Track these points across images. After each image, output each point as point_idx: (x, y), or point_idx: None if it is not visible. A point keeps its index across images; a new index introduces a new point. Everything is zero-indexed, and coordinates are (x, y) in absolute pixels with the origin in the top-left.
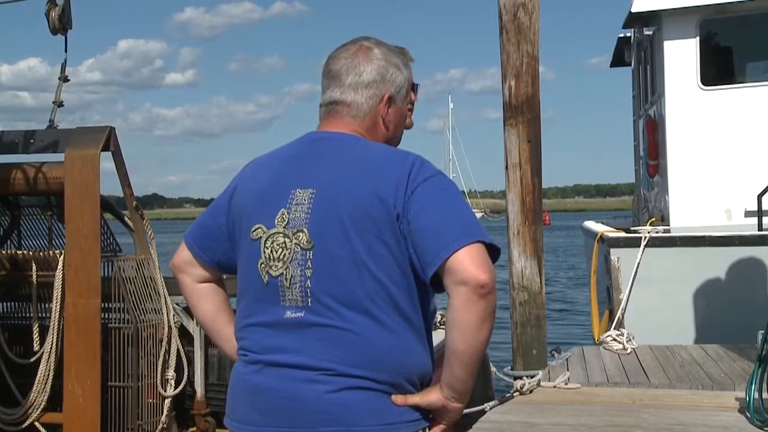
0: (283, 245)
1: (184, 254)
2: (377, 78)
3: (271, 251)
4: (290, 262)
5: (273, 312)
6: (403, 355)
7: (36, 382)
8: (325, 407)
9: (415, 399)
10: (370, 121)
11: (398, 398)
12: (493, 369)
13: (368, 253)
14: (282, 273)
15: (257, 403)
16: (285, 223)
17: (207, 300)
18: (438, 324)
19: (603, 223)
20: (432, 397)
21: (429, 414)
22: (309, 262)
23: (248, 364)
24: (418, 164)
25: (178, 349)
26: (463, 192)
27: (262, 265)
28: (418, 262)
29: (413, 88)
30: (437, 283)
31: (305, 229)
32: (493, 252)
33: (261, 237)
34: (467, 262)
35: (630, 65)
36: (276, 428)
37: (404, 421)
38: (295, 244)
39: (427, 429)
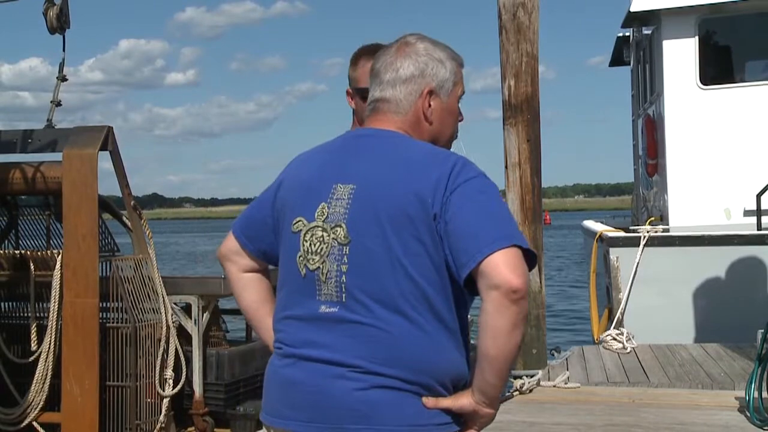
0: (321, 239)
1: (230, 243)
2: (415, 73)
3: (310, 244)
4: (327, 257)
5: (309, 306)
6: (435, 357)
7: (34, 381)
8: (352, 404)
9: (447, 402)
10: (413, 117)
11: (429, 401)
12: None
13: (404, 252)
14: (319, 267)
15: (288, 396)
16: (324, 217)
17: (251, 290)
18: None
19: (602, 223)
20: (463, 401)
21: (461, 418)
22: (345, 258)
23: (282, 357)
24: (460, 165)
25: (176, 349)
26: None
27: (301, 258)
28: (453, 264)
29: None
30: (472, 286)
31: (343, 224)
32: (530, 258)
33: (301, 230)
34: (501, 266)
35: (629, 64)
36: (304, 423)
37: (433, 424)
38: (333, 238)
39: None
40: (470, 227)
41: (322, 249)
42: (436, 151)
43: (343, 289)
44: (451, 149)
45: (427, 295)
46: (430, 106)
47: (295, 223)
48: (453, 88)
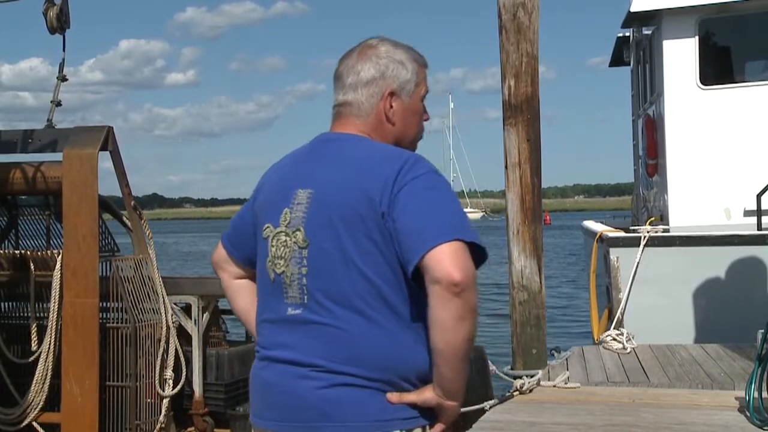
0: (285, 244)
1: (220, 252)
2: (376, 75)
3: (276, 249)
4: (290, 260)
5: (278, 309)
6: (396, 353)
7: (34, 381)
8: (315, 403)
9: (411, 397)
10: (375, 119)
11: (393, 396)
12: (493, 367)
13: (357, 251)
14: (284, 271)
15: (265, 397)
16: (287, 222)
17: (242, 296)
18: None
19: (602, 223)
20: (427, 395)
21: (431, 413)
22: (305, 260)
23: (259, 360)
24: (410, 163)
25: (176, 349)
26: (463, 192)
27: (269, 263)
28: (402, 260)
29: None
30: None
31: (302, 228)
32: (479, 251)
33: (269, 236)
34: (442, 260)
35: (629, 65)
36: (279, 422)
37: (398, 419)
38: (294, 242)
39: (427, 427)
40: (415, 223)
41: (285, 253)
42: (390, 151)
43: (305, 291)
44: (450, 146)
45: (383, 292)
46: (391, 107)
47: (264, 230)
48: (415, 89)
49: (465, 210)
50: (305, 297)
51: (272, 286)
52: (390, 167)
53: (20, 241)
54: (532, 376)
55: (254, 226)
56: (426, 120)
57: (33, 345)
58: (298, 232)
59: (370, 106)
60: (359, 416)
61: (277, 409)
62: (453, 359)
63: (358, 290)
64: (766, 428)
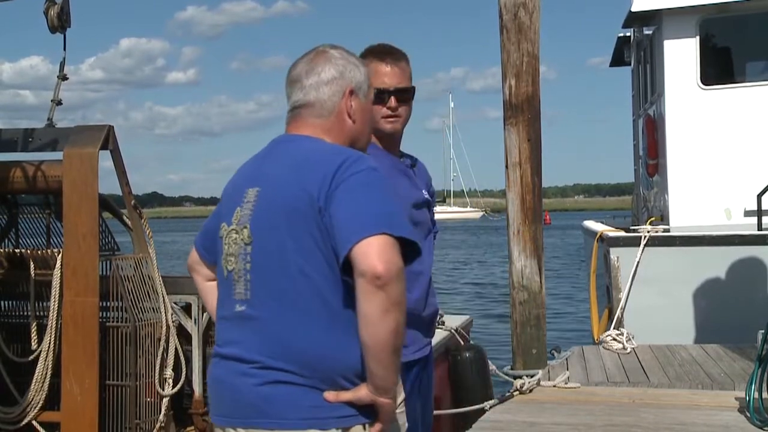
0: (235, 241)
1: (193, 255)
2: (336, 75)
3: (228, 247)
4: (238, 257)
5: (229, 305)
6: (331, 350)
7: (34, 380)
8: (253, 399)
9: (347, 395)
10: (336, 118)
11: (330, 394)
12: (493, 367)
13: (297, 248)
14: (234, 268)
15: (217, 394)
16: (237, 220)
17: (212, 296)
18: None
19: (602, 223)
20: (361, 392)
21: (371, 411)
22: (249, 257)
23: (213, 357)
24: (351, 160)
25: (176, 348)
26: (463, 191)
27: (224, 261)
28: (335, 254)
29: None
30: None
31: (248, 226)
32: (411, 246)
33: (223, 234)
34: (366, 253)
35: (630, 65)
36: (227, 419)
37: (334, 417)
38: (241, 239)
39: (367, 426)
40: (345, 218)
41: (235, 250)
42: (334, 150)
43: (248, 287)
44: (450, 146)
45: (321, 289)
46: (352, 105)
47: (221, 229)
48: (368, 90)
49: (465, 210)
50: (249, 293)
51: (225, 284)
52: (330, 164)
53: (20, 240)
54: (532, 376)
55: (218, 228)
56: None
57: (33, 344)
58: (245, 230)
59: (333, 105)
60: (293, 413)
61: (225, 406)
62: (380, 354)
63: (297, 286)
64: (766, 429)
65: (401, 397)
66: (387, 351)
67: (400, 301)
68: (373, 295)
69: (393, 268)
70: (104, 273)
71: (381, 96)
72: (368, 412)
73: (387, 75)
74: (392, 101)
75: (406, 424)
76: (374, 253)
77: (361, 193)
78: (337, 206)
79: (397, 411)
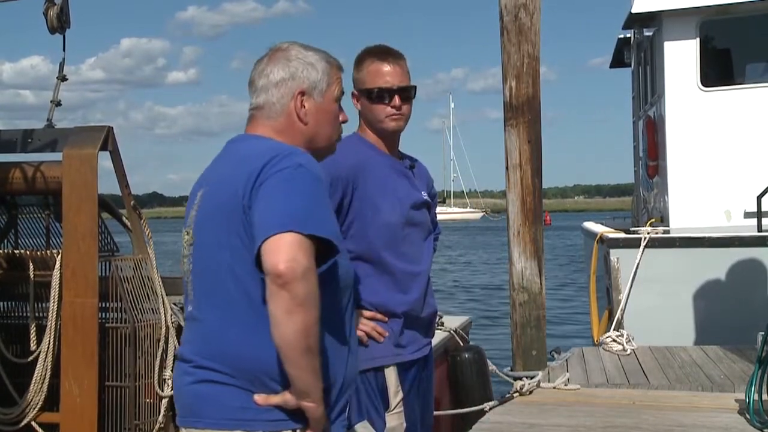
0: (186, 243)
1: None
2: (286, 76)
3: (183, 249)
4: (187, 259)
5: (186, 307)
6: (257, 351)
7: (33, 381)
8: (187, 398)
9: (276, 399)
10: (286, 120)
11: (260, 397)
12: (493, 367)
13: (227, 247)
14: (186, 269)
15: (175, 395)
16: (189, 222)
17: None
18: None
19: (602, 224)
20: (288, 396)
21: (303, 417)
22: (191, 257)
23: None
24: (280, 157)
25: (175, 349)
26: (463, 192)
27: (181, 264)
28: None
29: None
30: None
31: (192, 227)
32: (325, 244)
33: (183, 237)
34: (270, 251)
35: (630, 66)
36: (178, 417)
37: (262, 420)
38: (188, 241)
39: (298, 431)
40: (260, 216)
41: (186, 252)
42: (270, 147)
43: (191, 288)
44: (451, 147)
45: (249, 289)
46: (303, 106)
47: (182, 232)
48: (327, 89)
49: (465, 210)
50: (192, 294)
51: (184, 285)
52: (258, 161)
53: (19, 241)
54: (532, 378)
55: None
56: (344, 121)
57: (32, 345)
58: (190, 231)
59: (282, 107)
60: (219, 413)
61: (177, 406)
62: (290, 355)
63: (227, 286)
64: (766, 430)
65: (399, 397)
66: (296, 352)
67: (304, 302)
68: (276, 294)
69: (296, 267)
70: (103, 274)
71: (384, 95)
72: (300, 417)
73: (389, 74)
74: (396, 100)
75: (404, 424)
76: (277, 251)
77: (279, 190)
78: (257, 204)
79: (395, 411)
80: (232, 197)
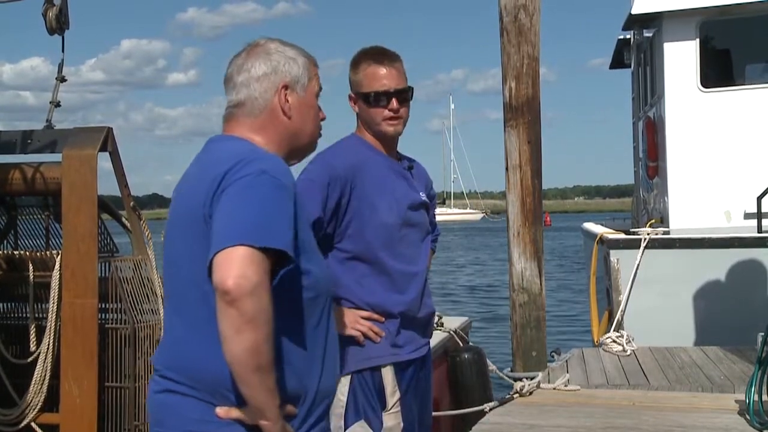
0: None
1: None
2: (268, 70)
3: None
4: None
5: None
6: (217, 364)
7: (33, 382)
8: (152, 407)
9: (236, 413)
10: (269, 115)
11: (221, 410)
12: (493, 367)
13: (189, 255)
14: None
15: None
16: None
17: None
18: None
19: (602, 225)
20: (247, 411)
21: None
22: (163, 264)
23: None
24: (242, 163)
25: None
26: (463, 193)
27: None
28: None
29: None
30: None
31: (165, 232)
32: (278, 256)
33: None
34: (218, 266)
35: (630, 67)
36: (150, 425)
37: None
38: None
39: None
40: (216, 227)
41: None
42: (237, 151)
43: (161, 296)
44: (451, 148)
45: (210, 300)
46: (287, 101)
47: None
48: (308, 83)
49: (465, 211)
50: (162, 301)
51: None
52: (223, 166)
53: (19, 242)
54: (532, 379)
55: None
56: (322, 119)
57: (32, 345)
58: (164, 236)
59: (265, 102)
60: (178, 424)
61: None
62: (241, 373)
63: (188, 295)
64: (766, 431)
65: (396, 396)
66: (246, 371)
67: (254, 319)
68: (224, 311)
69: (245, 283)
70: (103, 275)
71: (382, 98)
72: None
73: (386, 77)
74: (394, 103)
75: (401, 424)
76: (226, 266)
77: (237, 199)
78: (216, 213)
79: (392, 411)
80: (195, 205)
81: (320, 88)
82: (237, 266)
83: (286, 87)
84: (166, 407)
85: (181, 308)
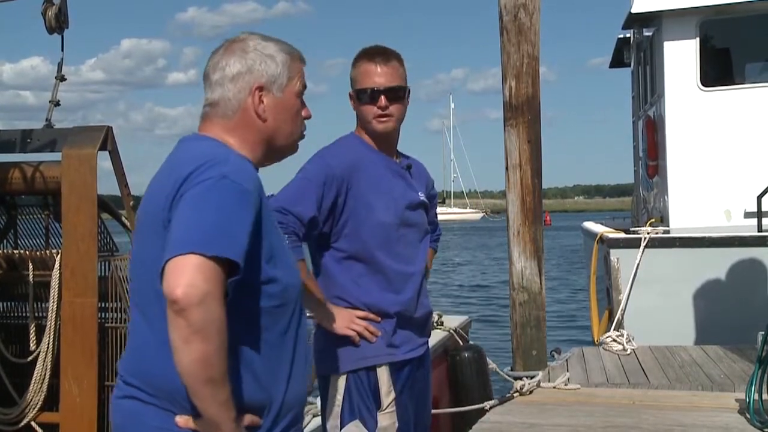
0: None
1: None
2: (243, 70)
3: None
4: None
5: None
6: (173, 372)
7: (32, 381)
8: (114, 413)
9: (194, 423)
10: (242, 117)
11: (181, 419)
12: (493, 366)
13: (149, 260)
14: None
15: None
16: None
17: None
18: (435, 324)
19: (602, 224)
20: (202, 423)
21: None
22: (129, 265)
23: None
24: (205, 167)
25: None
26: (463, 192)
27: None
28: None
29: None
30: None
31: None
32: (229, 265)
33: None
34: (167, 275)
35: (629, 66)
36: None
37: None
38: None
39: None
40: (171, 233)
41: None
42: (198, 153)
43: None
44: (451, 148)
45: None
46: (261, 102)
47: None
48: (288, 83)
49: (465, 211)
50: (131, 299)
51: None
52: (186, 168)
53: (19, 241)
54: (532, 377)
55: None
56: (307, 117)
57: (31, 345)
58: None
59: (238, 103)
60: (140, 430)
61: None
62: (191, 384)
63: (149, 301)
64: (766, 430)
65: (391, 396)
66: (197, 382)
67: (203, 330)
68: (173, 321)
69: (193, 292)
70: (103, 274)
71: (371, 95)
72: None
73: (377, 75)
74: (382, 101)
75: (397, 424)
76: (175, 275)
77: (194, 204)
78: (173, 219)
79: (387, 411)
80: (157, 208)
81: (304, 87)
82: (186, 275)
83: (260, 88)
84: (128, 414)
85: (146, 309)
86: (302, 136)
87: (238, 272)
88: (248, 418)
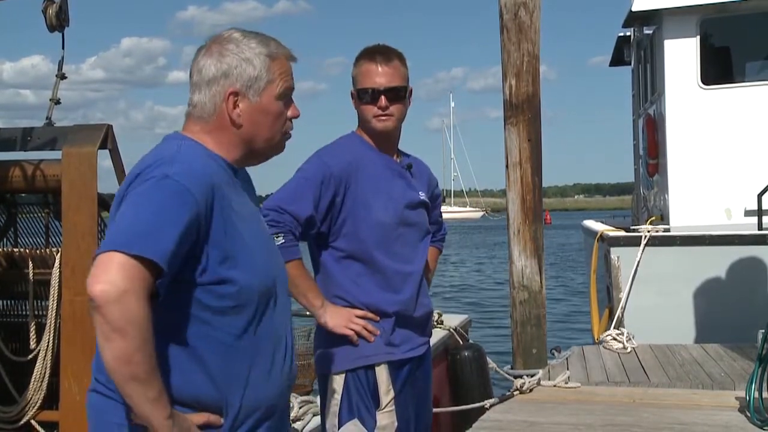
0: None
1: None
2: (217, 74)
3: None
4: None
5: None
6: None
7: (32, 380)
8: (87, 407)
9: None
10: (218, 121)
11: (135, 415)
12: (493, 365)
13: None
14: None
15: None
16: None
17: None
18: (435, 323)
19: (602, 222)
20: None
21: None
22: None
23: None
24: (153, 166)
25: None
26: (463, 191)
27: None
28: None
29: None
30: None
31: None
32: (153, 264)
33: None
34: (91, 272)
35: (629, 64)
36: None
37: None
38: None
39: None
40: (107, 231)
41: None
42: (160, 152)
43: None
44: (451, 147)
45: None
46: (236, 107)
47: None
48: (267, 86)
49: (465, 210)
50: None
51: None
52: (135, 170)
53: (19, 240)
54: (532, 376)
55: None
56: (294, 116)
57: (31, 343)
58: None
59: (213, 107)
60: (102, 426)
61: None
62: (117, 381)
63: None
64: (766, 428)
65: (390, 395)
66: (121, 379)
67: (122, 328)
68: (94, 318)
69: (111, 290)
70: None
71: (371, 95)
72: None
73: (377, 74)
74: (382, 100)
75: (396, 423)
76: (97, 271)
77: (132, 203)
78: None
79: (386, 410)
80: (113, 208)
81: (290, 87)
82: (108, 272)
83: (235, 93)
84: (94, 408)
85: None
86: (288, 136)
87: (162, 274)
88: (203, 417)
